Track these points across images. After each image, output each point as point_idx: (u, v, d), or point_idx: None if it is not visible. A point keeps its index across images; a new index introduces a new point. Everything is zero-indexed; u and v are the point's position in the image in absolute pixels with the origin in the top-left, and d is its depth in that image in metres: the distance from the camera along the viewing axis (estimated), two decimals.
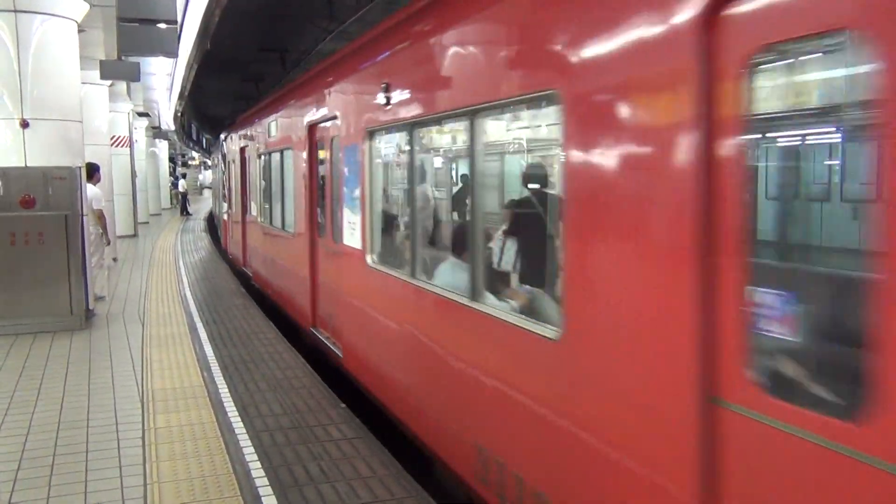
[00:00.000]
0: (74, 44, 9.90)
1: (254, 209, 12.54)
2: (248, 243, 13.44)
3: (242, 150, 13.68)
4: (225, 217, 17.96)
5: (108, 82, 16.98)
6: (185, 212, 35.05)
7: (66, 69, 9.73)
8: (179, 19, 13.11)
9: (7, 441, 5.14)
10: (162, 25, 11.11)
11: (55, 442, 5.10)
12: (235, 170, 14.73)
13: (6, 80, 9.14)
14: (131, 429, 5.33)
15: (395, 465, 4.66)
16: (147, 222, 27.10)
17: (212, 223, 27.43)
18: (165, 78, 22.76)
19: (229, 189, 16.26)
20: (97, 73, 14.34)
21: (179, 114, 28.69)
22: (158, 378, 6.64)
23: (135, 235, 21.57)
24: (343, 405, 5.88)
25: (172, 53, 12.44)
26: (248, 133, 12.90)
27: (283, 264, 9.99)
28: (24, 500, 4.23)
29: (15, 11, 9.04)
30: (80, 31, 10.17)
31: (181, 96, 22.54)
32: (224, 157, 17.53)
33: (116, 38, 12.03)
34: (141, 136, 28.99)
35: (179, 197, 37.46)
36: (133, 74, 14.91)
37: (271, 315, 9.90)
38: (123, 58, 13.94)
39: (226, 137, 17.30)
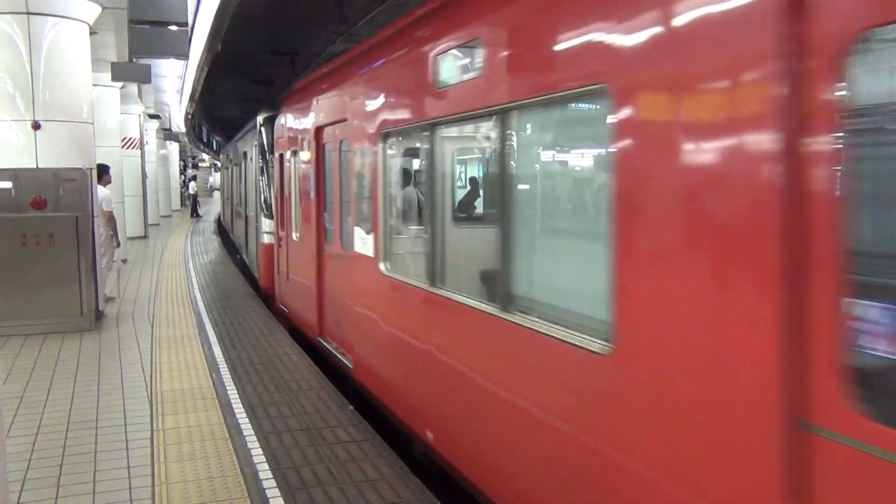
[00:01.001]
0: (86, 46, 9.96)
1: (359, 242, 6.40)
2: (336, 298, 7.24)
3: (319, 131, 7.86)
4: (267, 240, 11.29)
5: (120, 84, 17.11)
6: (195, 213, 35.28)
7: (77, 71, 9.79)
8: (190, 21, 13.16)
9: (17, 441, 5.15)
10: (173, 27, 11.16)
11: (64, 442, 5.12)
12: (296, 168, 9.16)
13: (18, 82, 9.20)
14: (140, 430, 5.34)
15: (402, 468, 4.64)
16: (157, 224, 27.26)
17: (221, 226, 27.52)
18: (176, 80, 22.87)
19: (281, 199, 10.20)
20: (108, 74, 14.42)
21: (190, 116, 28.81)
22: (167, 379, 6.66)
23: (145, 237, 21.69)
24: (351, 407, 5.88)
25: (183, 55, 12.49)
26: (337, 103, 7.18)
27: (516, 402, 3.75)
28: (33, 499, 4.24)
29: (27, 14, 9.10)
30: (92, 33, 10.23)
31: (192, 98, 22.61)
32: (265, 148, 11.76)
33: (127, 40, 12.10)
34: (152, 138, 29.16)
35: (190, 199, 37.70)
36: (144, 76, 14.99)
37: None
38: (134, 60, 14.02)
39: (266, 121, 11.67)
